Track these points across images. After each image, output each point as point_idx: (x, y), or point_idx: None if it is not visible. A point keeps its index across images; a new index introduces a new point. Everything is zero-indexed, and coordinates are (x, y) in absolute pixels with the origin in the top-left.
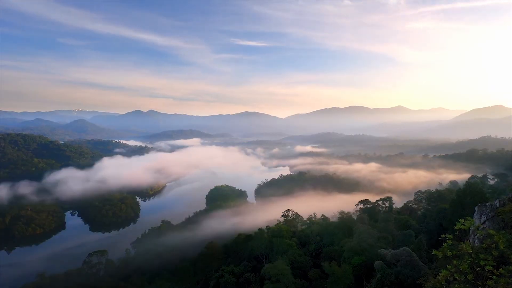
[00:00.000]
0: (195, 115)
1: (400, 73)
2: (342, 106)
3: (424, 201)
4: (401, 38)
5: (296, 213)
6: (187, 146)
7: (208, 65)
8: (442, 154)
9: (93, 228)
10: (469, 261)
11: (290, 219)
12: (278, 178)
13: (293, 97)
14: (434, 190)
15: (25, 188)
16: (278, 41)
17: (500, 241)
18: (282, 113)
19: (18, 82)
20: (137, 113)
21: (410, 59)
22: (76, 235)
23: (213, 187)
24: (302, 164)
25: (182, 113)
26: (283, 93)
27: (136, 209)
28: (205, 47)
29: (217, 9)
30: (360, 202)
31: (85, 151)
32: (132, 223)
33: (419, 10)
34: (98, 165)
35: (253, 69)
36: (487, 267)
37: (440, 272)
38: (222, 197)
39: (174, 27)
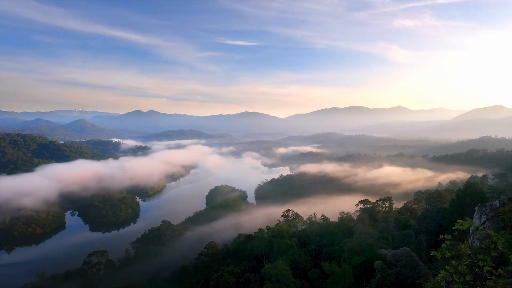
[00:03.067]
0: (195, 115)
1: (398, 72)
2: (340, 106)
3: (424, 201)
4: (397, 37)
5: (296, 213)
6: (184, 147)
7: (195, 64)
8: (442, 154)
9: (93, 228)
10: (467, 262)
11: (290, 219)
12: (278, 178)
13: (286, 97)
14: (434, 190)
15: (25, 187)
16: (264, 40)
17: (499, 241)
18: (282, 113)
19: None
20: (137, 113)
21: (407, 58)
22: (76, 235)
23: (213, 187)
24: (302, 164)
25: (182, 113)
26: (275, 93)
27: (136, 209)
28: (189, 46)
29: (198, 7)
30: (360, 202)
31: (85, 151)
32: (132, 223)
33: (407, 6)
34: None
35: (241, 69)
36: (485, 268)
37: (439, 273)
38: (222, 197)
39: (154, 25)
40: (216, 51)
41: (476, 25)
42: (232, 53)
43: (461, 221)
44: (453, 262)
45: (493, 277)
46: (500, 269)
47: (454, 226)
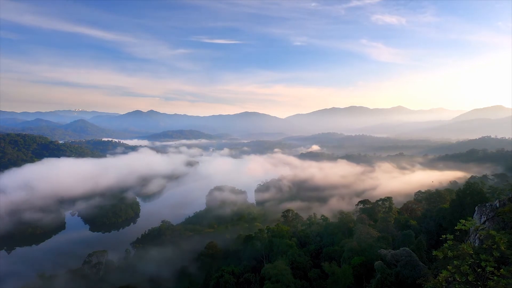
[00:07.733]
0: (195, 115)
1: (391, 72)
2: (340, 106)
3: (424, 201)
4: (380, 34)
5: (296, 213)
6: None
7: (172, 63)
8: (442, 155)
9: (93, 228)
10: (469, 262)
11: (290, 219)
12: (278, 178)
13: (274, 97)
14: (434, 190)
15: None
16: (242, 39)
17: (501, 241)
18: (281, 113)
19: None
20: (137, 113)
21: (394, 57)
22: (76, 235)
23: (213, 187)
24: (302, 164)
25: (182, 113)
26: (262, 92)
27: (136, 209)
28: (161, 43)
29: (167, 5)
30: (360, 202)
31: (85, 151)
32: (132, 223)
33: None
34: None
35: (223, 68)
36: (488, 268)
37: (441, 273)
38: (222, 197)
39: (120, 22)
40: (191, 49)
41: (475, 23)
42: (210, 51)
43: (463, 221)
44: (455, 262)
45: (495, 277)
46: (502, 269)
47: (454, 226)
